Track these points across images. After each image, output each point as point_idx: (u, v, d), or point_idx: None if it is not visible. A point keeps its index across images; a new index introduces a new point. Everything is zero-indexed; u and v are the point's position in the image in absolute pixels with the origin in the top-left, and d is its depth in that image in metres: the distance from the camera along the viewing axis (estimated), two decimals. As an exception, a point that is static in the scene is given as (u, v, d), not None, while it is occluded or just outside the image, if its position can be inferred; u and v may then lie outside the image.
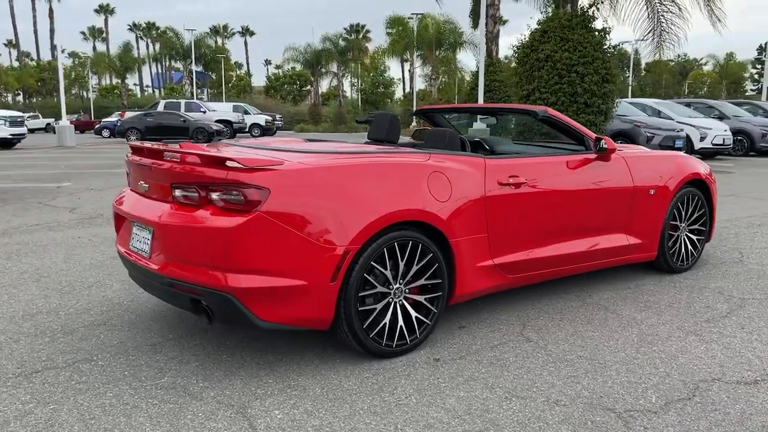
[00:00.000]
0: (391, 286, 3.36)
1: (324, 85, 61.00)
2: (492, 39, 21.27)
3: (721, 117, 17.80)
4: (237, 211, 2.99)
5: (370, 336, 3.28)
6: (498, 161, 3.89)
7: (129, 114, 28.74)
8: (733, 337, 3.69)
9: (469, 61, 59.95)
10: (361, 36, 67.71)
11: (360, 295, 3.22)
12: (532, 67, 12.59)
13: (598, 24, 12.62)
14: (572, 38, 12.23)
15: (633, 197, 4.58)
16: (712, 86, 77.74)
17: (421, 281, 3.47)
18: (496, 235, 3.80)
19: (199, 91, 62.45)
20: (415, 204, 3.40)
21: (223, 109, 33.27)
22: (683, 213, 5.03)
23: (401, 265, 3.36)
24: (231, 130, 28.61)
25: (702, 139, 15.55)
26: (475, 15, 22.94)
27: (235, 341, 3.64)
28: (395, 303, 3.39)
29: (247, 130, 31.90)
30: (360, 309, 3.23)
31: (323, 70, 50.92)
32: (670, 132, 14.64)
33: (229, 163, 3.04)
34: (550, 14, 13.12)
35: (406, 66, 51.69)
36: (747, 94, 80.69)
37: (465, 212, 3.62)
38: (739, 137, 17.44)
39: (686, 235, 5.11)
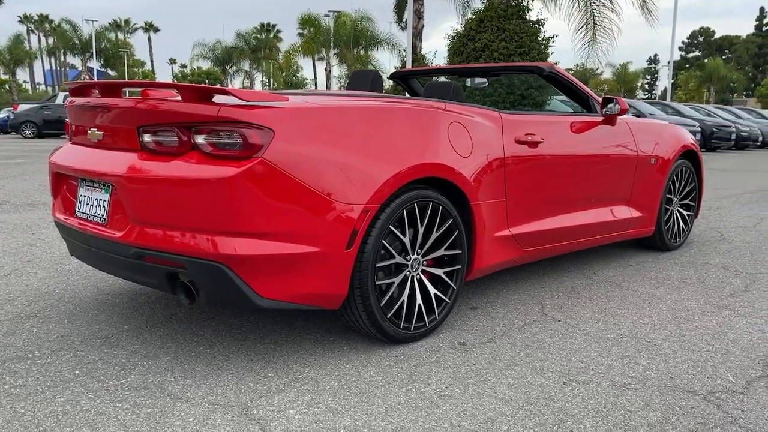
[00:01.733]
0: (408, 257, 2.79)
1: (235, 84, 59.13)
2: (416, 35, 20.96)
3: (639, 115, 18.35)
4: (231, 158, 2.32)
5: (388, 317, 2.70)
6: (514, 116, 3.41)
7: (24, 107, 26.35)
8: (768, 311, 3.38)
9: (385, 60, 60.05)
10: (272, 35, 66.29)
11: (377, 266, 2.64)
12: (469, 56, 12.32)
13: (533, 15, 12.53)
14: (508, 28, 12.08)
15: (637, 166, 4.23)
16: (610, 92, 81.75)
17: (440, 251, 2.92)
18: (513, 201, 3.31)
19: (99, 87, 58.75)
20: (439, 157, 2.85)
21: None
22: (677, 186, 4.75)
23: (420, 231, 2.81)
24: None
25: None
26: (399, 10, 22.60)
27: (210, 330, 2.95)
28: (412, 277, 2.82)
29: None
30: (377, 283, 2.65)
31: (234, 68, 49.29)
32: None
33: (219, 98, 2.37)
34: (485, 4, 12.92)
35: (320, 65, 50.85)
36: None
37: (486, 172, 3.10)
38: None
39: (678, 210, 4.84)
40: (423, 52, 21.21)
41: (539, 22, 12.54)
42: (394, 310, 2.72)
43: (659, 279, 4.00)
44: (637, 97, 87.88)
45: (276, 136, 2.34)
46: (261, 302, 2.40)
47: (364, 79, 4.12)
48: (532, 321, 3.16)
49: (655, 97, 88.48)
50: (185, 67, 76.55)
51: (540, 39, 12.36)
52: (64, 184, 2.94)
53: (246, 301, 2.38)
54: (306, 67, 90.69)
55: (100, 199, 2.64)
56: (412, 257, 2.80)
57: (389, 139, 2.68)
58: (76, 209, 2.78)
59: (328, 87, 41.13)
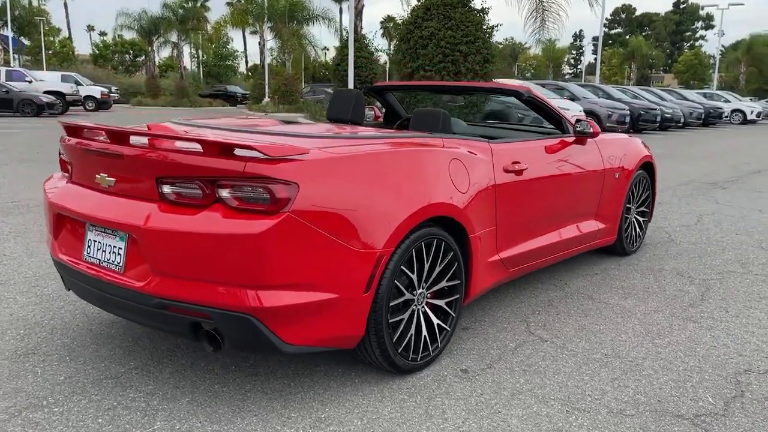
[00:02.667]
0: (414, 292, 2.93)
1: (162, 55, 57.03)
2: (357, 14, 20.89)
3: (573, 98, 19.00)
4: (259, 213, 2.38)
5: (399, 351, 2.84)
6: (501, 146, 3.58)
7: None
8: (728, 323, 3.72)
9: (320, 34, 58.86)
10: (199, 4, 64.02)
11: (390, 305, 2.77)
12: (416, 44, 12.44)
13: (477, 4, 12.73)
14: (454, 17, 12.24)
15: (604, 180, 4.51)
16: (538, 68, 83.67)
17: (442, 284, 3.07)
18: (502, 227, 3.50)
19: (12, 58, 55.49)
20: (443, 197, 2.98)
21: (51, 79, 29.69)
22: (635, 195, 5.07)
23: (426, 267, 2.95)
24: (64, 102, 25.59)
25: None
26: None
27: (219, 365, 3.01)
28: (418, 311, 2.97)
29: (81, 102, 28.77)
30: (389, 321, 2.78)
31: (162, 39, 47.42)
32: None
33: (242, 152, 2.41)
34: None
35: (252, 39, 49.60)
36: (565, 76, 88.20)
37: (480, 204, 3.26)
38: (589, 117, 18.71)
39: (635, 217, 5.18)
40: (363, 31, 21.16)
41: (484, 11, 12.75)
42: (404, 344, 2.86)
43: (625, 288, 4.31)
44: (563, 72, 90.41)
45: (301, 190, 2.41)
46: (286, 349, 2.49)
47: (347, 98, 4.19)
48: (523, 342, 3.37)
49: (580, 73, 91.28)
50: (105, 35, 72.95)
51: (484, 28, 12.57)
52: (67, 225, 2.91)
53: (272, 349, 2.47)
54: (236, 39, 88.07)
55: (115, 247, 2.64)
56: (418, 292, 2.94)
57: (400, 183, 2.79)
58: (85, 253, 2.77)
59: (262, 62, 40.27)
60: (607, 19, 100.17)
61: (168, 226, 2.45)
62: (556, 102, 16.92)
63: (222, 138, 2.50)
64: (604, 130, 18.96)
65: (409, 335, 2.89)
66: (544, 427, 2.53)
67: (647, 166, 5.18)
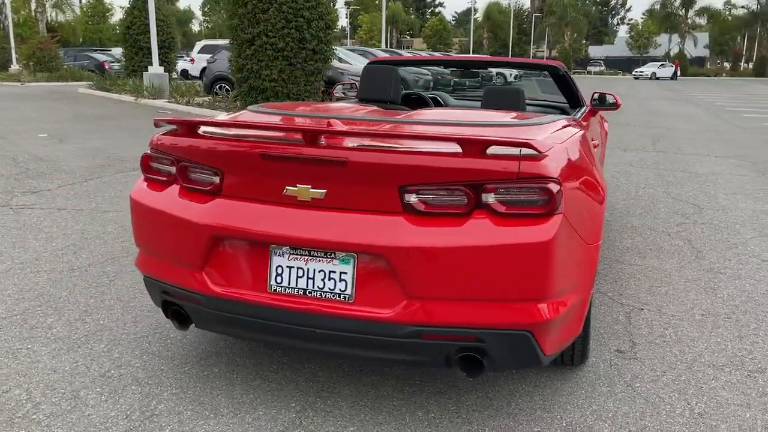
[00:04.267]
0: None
1: None
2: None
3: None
4: (532, 217, 2.10)
5: None
6: (580, 121, 3.58)
7: None
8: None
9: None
10: None
11: None
12: (255, 8, 11.65)
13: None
14: (294, -20, 11.69)
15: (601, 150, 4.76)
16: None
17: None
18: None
19: None
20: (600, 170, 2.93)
21: None
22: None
23: None
24: None
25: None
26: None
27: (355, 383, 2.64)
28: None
29: None
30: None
31: None
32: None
33: (506, 150, 2.09)
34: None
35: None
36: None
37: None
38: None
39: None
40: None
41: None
42: None
43: (634, 249, 4.65)
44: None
45: (562, 187, 2.18)
46: (545, 361, 2.27)
47: (383, 79, 3.82)
48: (629, 311, 3.48)
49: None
50: None
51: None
52: (230, 249, 2.27)
53: (535, 363, 2.24)
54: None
55: (335, 272, 2.14)
56: None
57: (598, 172, 2.67)
58: (273, 282, 2.20)
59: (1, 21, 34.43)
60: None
61: (427, 241, 2.06)
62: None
63: (481, 134, 2.14)
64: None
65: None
66: (753, 394, 2.67)
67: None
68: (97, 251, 4.28)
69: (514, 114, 2.95)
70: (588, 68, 67.60)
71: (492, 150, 2.08)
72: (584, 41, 78.13)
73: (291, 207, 2.19)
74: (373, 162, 2.09)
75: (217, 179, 2.30)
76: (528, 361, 2.22)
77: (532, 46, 73.65)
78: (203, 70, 22.99)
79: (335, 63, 15.52)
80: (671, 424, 2.41)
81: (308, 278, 2.18)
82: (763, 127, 13.72)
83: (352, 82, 5.09)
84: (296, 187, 2.16)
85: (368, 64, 4.57)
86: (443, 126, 2.55)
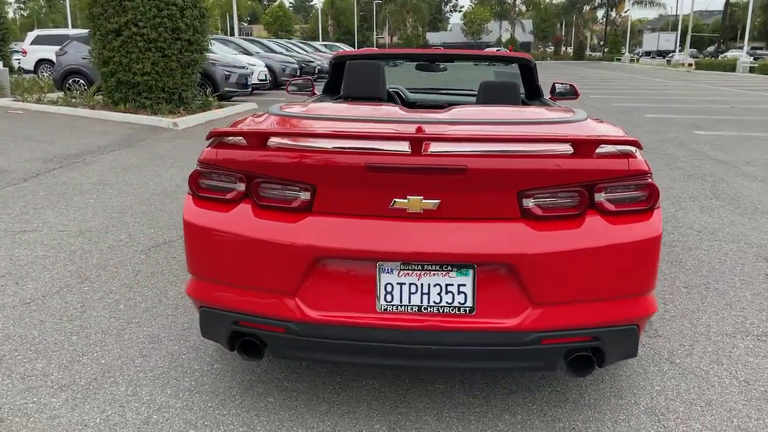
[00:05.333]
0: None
1: None
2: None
3: (247, 53, 18.76)
4: (637, 213, 2.15)
5: None
6: None
7: None
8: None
9: None
10: None
11: None
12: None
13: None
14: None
15: None
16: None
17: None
18: None
19: None
20: None
21: None
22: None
23: None
24: None
25: (250, 75, 16.19)
26: None
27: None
28: None
29: None
30: None
31: None
32: (243, 70, 14.80)
33: (617, 148, 2.12)
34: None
35: None
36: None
37: None
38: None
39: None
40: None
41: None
42: None
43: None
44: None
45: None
46: (636, 353, 2.34)
47: (371, 75, 3.65)
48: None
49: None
50: None
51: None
52: (328, 270, 2.07)
53: (633, 354, 2.29)
54: None
55: (454, 285, 2.04)
56: None
57: None
58: (383, 302, 2.05)
59: None
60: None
61: (551, 246, 2.04)
62: (247, 59, 16.59)
63: (591, 135, 2.13)
64: (280, 85, 19.33)
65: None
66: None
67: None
68: (41, 279, 3.73)
69: (551, 109, 2.97)
70: (428, 53, 69.89)
71: (627, 148, 2.11)
72: (423, 28, 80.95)
73: (400, 220, 2.05)
74: (493, 168, 2.02)
75: (306, 195, 2.09)
76: (629, 353, 2.27)
77: (375, 33, 74.92)
78: (38, 63, 20.90)
79: (216, 56, 14.78)
80: (730, 394, 2.59)
81: (422, 294, 2.06)
82: (614, 108, 15.09)
83: (310, 79, 4.80)
84: (407, 199, 2.02)
85: (338, 58, 4.31)
86: (504, 125, 2.51)
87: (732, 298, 3.58)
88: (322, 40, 49.22)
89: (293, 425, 2.37)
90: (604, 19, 75.40)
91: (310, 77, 4.95)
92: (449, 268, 2.05)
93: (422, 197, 2.02)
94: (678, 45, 54.88)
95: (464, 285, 2.05)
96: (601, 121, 2.68)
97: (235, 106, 12.89)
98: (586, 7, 74.22)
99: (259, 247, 2.10)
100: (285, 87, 4.64)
